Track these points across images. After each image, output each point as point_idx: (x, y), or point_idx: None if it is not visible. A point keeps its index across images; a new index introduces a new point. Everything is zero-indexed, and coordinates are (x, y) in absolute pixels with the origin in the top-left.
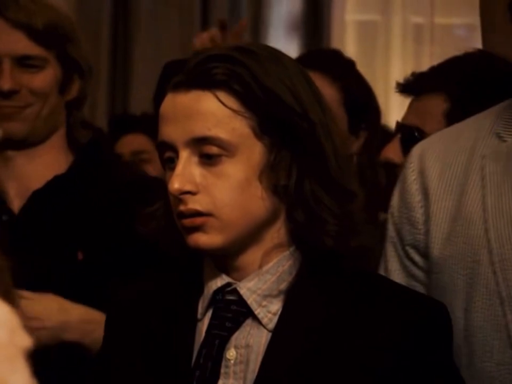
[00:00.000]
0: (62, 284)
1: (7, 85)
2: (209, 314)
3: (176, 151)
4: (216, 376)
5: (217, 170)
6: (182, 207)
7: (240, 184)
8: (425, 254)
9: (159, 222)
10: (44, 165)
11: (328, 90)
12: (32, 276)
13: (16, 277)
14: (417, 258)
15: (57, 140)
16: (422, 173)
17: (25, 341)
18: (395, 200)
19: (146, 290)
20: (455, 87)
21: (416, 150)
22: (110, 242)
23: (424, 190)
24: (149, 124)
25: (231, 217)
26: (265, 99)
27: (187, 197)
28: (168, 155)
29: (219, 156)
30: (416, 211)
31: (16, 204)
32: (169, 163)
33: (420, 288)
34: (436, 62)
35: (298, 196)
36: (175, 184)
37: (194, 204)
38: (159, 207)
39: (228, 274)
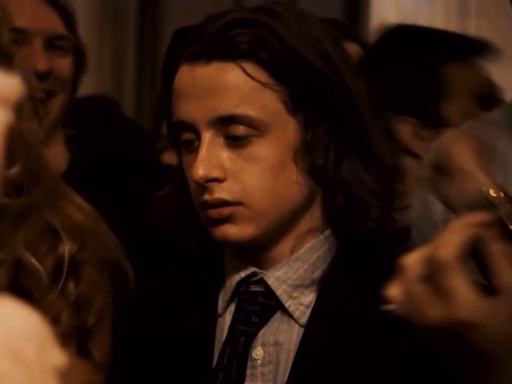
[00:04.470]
0: None
1: (43, 65)
2: (231, 308)
3: (197, 132)
4: (242, 378)
5: (247, 153)
6: (206, 197)
7: (273, 167)
8: None
9: (172, 210)
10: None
11: None
12: None
13: None
14: None
15: (60, 134)
16: None
17: (57, 358)
18: None
19: (158, 287)
20: None
21: None
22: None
23: None
24: None
25: (263, 206)
26: (296, 67)
27: (213, 184)
28: (186, 137)
29: (248, 136)
30: None
31: None
32: (188, 145)
33: None
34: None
35: (337, 176)
36: (200, 170)
37: (221, 192)
38: (170, 193)
39: (254, 264)
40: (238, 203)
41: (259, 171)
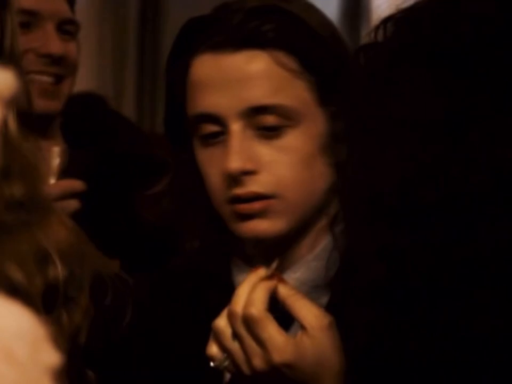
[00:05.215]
0: None
1: (57, 49)
2: None
3: (223, 124)
4: None
5: (281, 144)
6: (238, 190)
7: (303, 158)
8: None
9: (169, 206)
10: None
11: None
12: None
13: None
14: None
15: (58, 125)
16: None
17: (51, 358)
18: None
19: (167, 294)
20: None
21: None
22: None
23: None
24: None
25: (296, 197)
26: (324, 56)
27: (246, 177)
28: (209, 130)
29: (281, 126)
30: None
31: None
32: (210, 138)
33: None
34: None
35: None
36: (234, 162)
37: (254, 185)
38: (165, 188)
39: (266, 263)
40: (271, 196)
41: (291, 162)
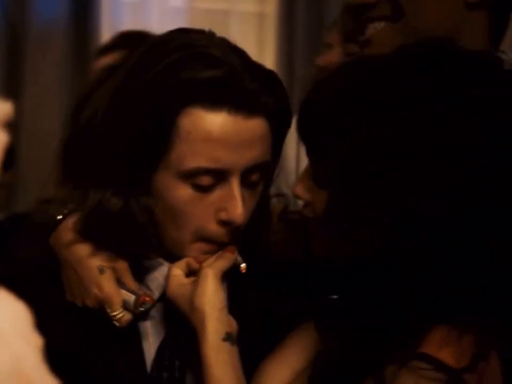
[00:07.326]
0: None
1: None
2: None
3: (224, 177)
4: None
5: (254, 191)
6: (226, 238)
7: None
8: None
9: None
10: None
11: None
12: None
13: None
14: None
15: None
16: None
17: (39, 341)
18: None
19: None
20: None
21: None
22: None
23: None
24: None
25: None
26: (285, 123)
27: (234, 225)
28: (209, 180)
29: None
30: None
31: None
32: (204, 186)
33: None
34: None
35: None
36: (241, 214)
37: (235, 233)
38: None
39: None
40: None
41: (255, 203)
